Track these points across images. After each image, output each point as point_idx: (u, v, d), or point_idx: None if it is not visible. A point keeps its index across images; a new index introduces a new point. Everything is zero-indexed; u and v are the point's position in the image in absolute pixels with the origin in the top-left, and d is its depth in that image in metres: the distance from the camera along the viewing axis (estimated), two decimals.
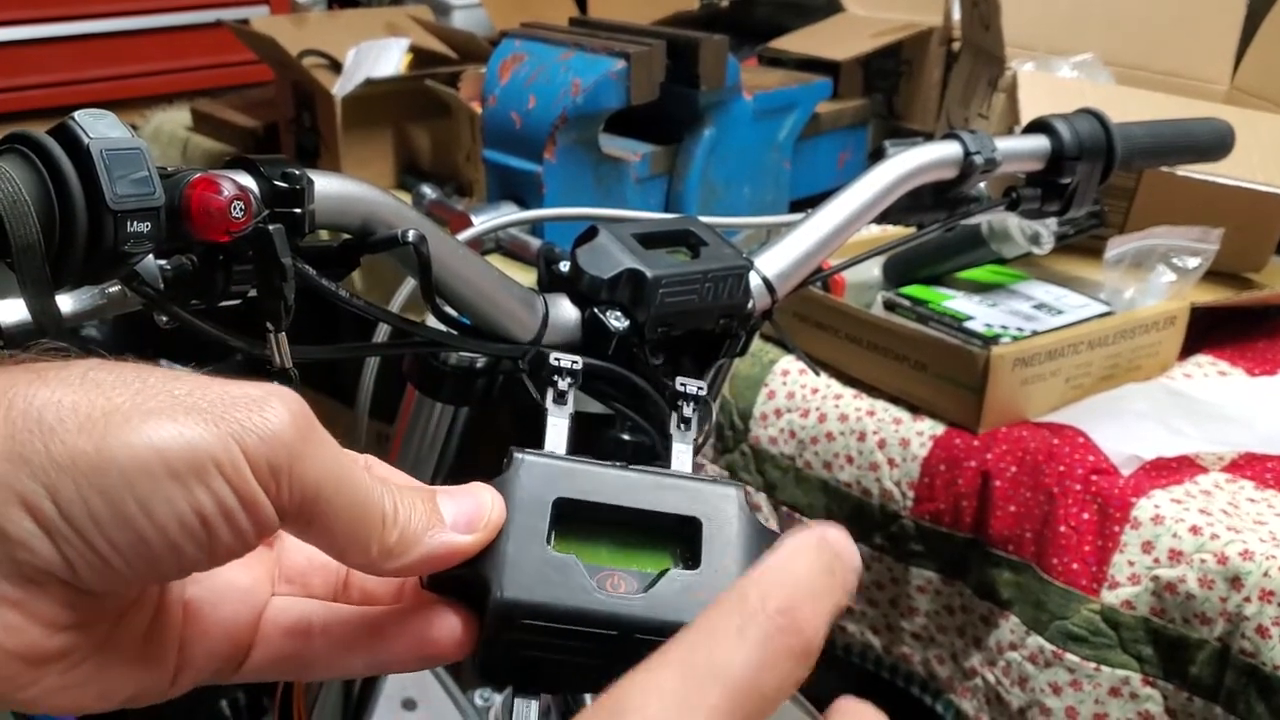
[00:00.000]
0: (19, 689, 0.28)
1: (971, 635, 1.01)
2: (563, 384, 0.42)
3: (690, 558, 0.34)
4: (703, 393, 0.43)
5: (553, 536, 0.33)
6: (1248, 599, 0.84)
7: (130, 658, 0.32)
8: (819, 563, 0.27)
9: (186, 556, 0.28)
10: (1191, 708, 0.88)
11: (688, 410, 0.43)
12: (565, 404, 0.42)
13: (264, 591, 0.36)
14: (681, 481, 0.35)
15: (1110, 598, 0.90)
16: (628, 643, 0.32)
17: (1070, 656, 0.92)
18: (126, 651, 0.31)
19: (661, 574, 0.33)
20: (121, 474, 0.27)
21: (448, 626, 0.34)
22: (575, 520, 0.34)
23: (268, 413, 0.29)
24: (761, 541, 0.35)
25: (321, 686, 0.83)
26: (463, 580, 0.33)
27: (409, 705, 1.10)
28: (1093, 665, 0.91)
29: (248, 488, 0.28)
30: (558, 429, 0.42)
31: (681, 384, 0.43)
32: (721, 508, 0.35)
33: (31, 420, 0.27)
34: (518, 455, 0.34)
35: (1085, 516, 0.93)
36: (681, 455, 0.42)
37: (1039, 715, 0.94)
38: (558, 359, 0.42)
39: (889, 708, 0.28)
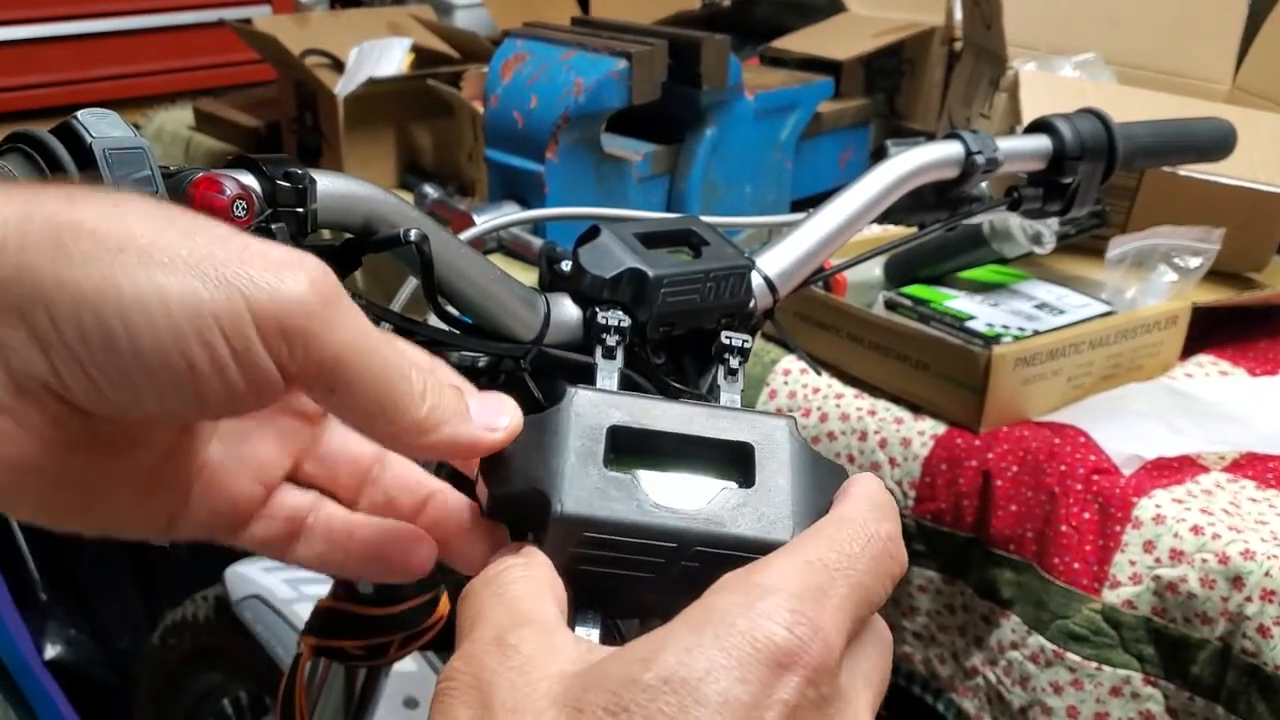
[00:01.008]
0: (3, 491, 0.29)
1: (972, 634, 1.01)
2: (610, 340, 0.43)
3: (744, 481, 0.35)
4: (748, 344, 0.44)
5: (609, 461, 0.34)
6: (1249, 599, 0.84)
7: (124, 490, 0.32)
8: (895, 509, 0.33)
9: (168, 400, 0.29)
10: (1193, 707, 0.88)
11: (734, 362, 0.44)
12: (614, 358, 0.43)
13: (283, 468, 0.37)
14: (733, 412, 0.36)
15: (1111, 597, 0.90)
16: (686, 557, 0.33)
17: (1071, 656, 0.92)
18: (122, 485, 0.32)
19: (716, 495, 0.34)
20: (118, 304, 0.27)
21: (421, 554, 0.38)
22: (630, 449, 0.35)
23: (285, 277, 0.29)
24: (812, 467, 0.35)
25: (322, 687, 0.83)
26: (522, 502, 0.34)
27: (410, 704, 1.11)
28: (1094, 665, 0.91)
29: (246, 347, 0.28)
30: (608, 379, 0.43)
31: (727, 337, 0.44)
32: (773, 435, 0.35)
33: (49, 239, 0.27)
34: (571, 389, 0.35)
35: (1086, 516, 0.93)
36: (731, 404, 0.43)
37: (1040, 715, 0.94)
38: (605, 318, 0.43)
39: (890, 707, 0.28)
